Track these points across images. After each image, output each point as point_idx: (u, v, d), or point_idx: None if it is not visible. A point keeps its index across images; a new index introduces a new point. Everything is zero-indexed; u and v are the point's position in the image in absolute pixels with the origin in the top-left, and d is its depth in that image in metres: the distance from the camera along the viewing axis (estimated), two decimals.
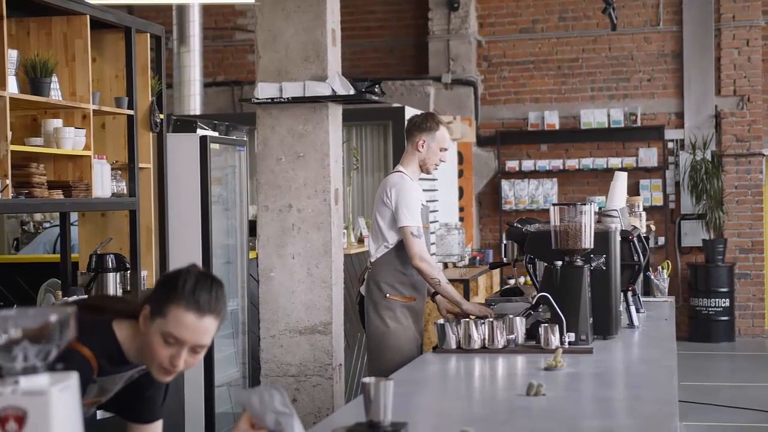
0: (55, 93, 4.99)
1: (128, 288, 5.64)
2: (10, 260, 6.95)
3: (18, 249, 8.17)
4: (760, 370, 10.74)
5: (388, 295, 5.20)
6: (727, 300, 12.18)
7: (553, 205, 4.49)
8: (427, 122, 5.29)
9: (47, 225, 8.10)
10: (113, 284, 5.48)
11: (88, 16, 5.24)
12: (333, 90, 6.04)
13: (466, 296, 9.08)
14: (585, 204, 4.47)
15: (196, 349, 2.63)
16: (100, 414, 4.76)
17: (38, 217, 7.89)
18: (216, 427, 6.38)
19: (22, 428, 1.75)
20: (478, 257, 10.94)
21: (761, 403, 8.70)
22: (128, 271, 5.61)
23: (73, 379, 1.83)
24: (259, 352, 5.77)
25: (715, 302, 12.16)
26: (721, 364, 11.34)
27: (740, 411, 8.43)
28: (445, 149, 5.30)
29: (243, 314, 6.90)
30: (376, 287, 5.24)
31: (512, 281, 12.19)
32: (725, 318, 12.20)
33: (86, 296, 5.14)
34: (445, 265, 10.43)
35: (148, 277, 5.88)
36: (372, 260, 5.33)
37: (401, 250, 5.16)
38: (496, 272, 11.14)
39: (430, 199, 10.33)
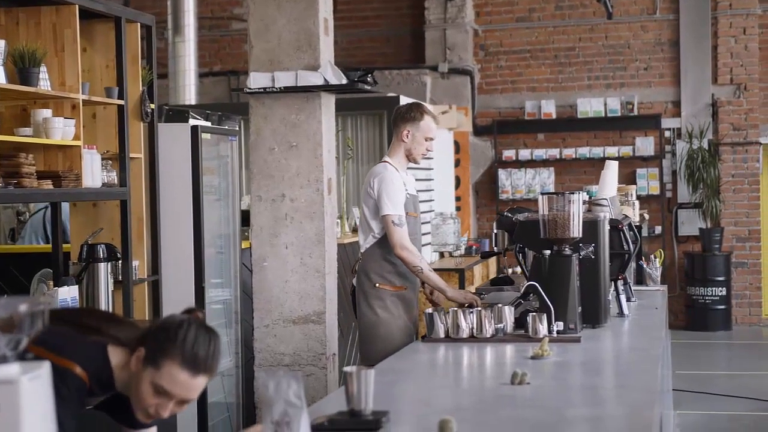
0: (44, 83, 4.99)
1: (119, 278, 5.64)
2: (5, 250, 6.96)
3: (14, 239, 8.17)
4: (757, 359, 10.75)
5: (377, 284, 5.22)
6: (724, 289, 12.19)
7: (542, 194, 4.50)
8: (411, 112, 5.31)
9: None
10: (104, 274, 5.48)
11: (77, 6, 5.23)
12: (325, 79, 6.03)
13: (461, 286, 9.09)
14: (573, 193, 4.47)
15: (183, 402, 2.65)
16: None
17: (33, 207, 7.89)
18: (208, 417, 6.39)
19: None
20: (474, 246, 10.94)
21: (757, 391, 8.71)
22: (119, 261, 5.61)
23: (44, 368, 1.84)
24: (252, 342, 5.77)
25: (712, 291, 12.16)
26: (718, 353, 11.35)
27: (736, 399, 8.44)
28: (431, 138, 5.31)
29: (236, 304, 6.91)
30: (366, 277, 5.27)
31: (509, 270, 12.20)
32: (722, 307, 12.20)
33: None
34: (441, 255, 10.44)
35: (140, 267, 5.88)
36: (361, 251, 5.36)
37: (388, 239, 5.18)
38: (493, 261, 11.15)
39: (426, 189, 10.36)
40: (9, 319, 1.82)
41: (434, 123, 5.34)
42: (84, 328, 2.74)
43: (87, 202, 5.73)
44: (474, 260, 10.01)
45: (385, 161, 5.34)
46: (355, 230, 7.84)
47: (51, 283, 5.53)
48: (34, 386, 1.80)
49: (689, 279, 12.30)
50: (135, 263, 5.78)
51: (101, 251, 5.47)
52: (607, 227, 4.72)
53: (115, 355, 2.70)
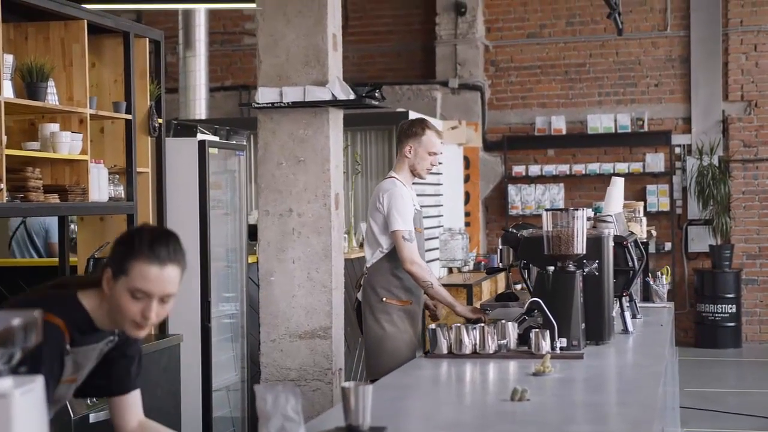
0: (52, 97, 5.02)
1: None
2: (11, 264, 6.99)
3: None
4: (767, 377, 10.69)
5: (384, 299, 5.24)
6: (734, 306, 12.14)
7: (546, 210, 4.49)
8: (413, 128, 5.35)
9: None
10: None
11: (85, 21, 5.27)
12: (333, 95, 6.05)
13: (469, 301, 9.09)
14: (577, 209, 4.47)
15: (164, 299, 2.71)
16: (93, 417, 4.81)
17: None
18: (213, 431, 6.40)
19: None
20: (483, 262, 10.93)
21: (767, 409, 8.67)
22: None
23: (37, 382, 1.85)
24: (258, 357, 5.78)
25: (722, 308, 12.12)
26: (727, 371, 11.30)
27: (745, 417, 8.40)
28: (434, 153, 5.33)
29: (242, 318, 6.92)
30: (373, 292, 5.28)
31: (518, 286, 12.18)
32: (732, 324, 12.16)
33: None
34: (450, 270, 10.44)
35: None
36: (368, 265, 5.37)
37: (396, 254, 5.20)
38: (501, 277, 11.13)
39: (434, 204, 10.37)
40: (2, 333, 1.83)
41: (437, 138, 5.36)
42: (52, 287, 2.88)
43: (94, 216, 5.76)
44: (482, 276, 10.00)
45: (392, 177, 5.36)
46: (362, 245, 7.86)
47: None
48: (27, 400, 1.81)
49: (699, 296, 12.26)
50: None
51: None
52: (612, 244, 4.71)
53: (87, 299, 2.78)
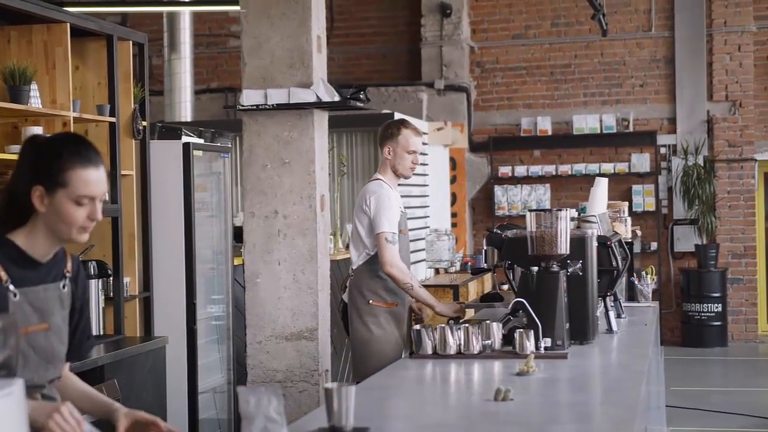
0: (35, 100, 5.01)
1: (111, 295, 5.65)
2: None
3: None
4: (752, 375, 10.74)
5: (371, 301, 5.25)
6: (720, 305, 12.19)
7: (530, 211, 4.51)
8: (389, 129, 5.39)
9: None
10: (95, 291, 5.49)
11: (68, 24, 5.26)
12: (318, 97, 6.06)
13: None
14: (561, 210, 4.48)
15: (100, 199, 2.73)
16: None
17: None
18: None
19: None
20: (470, 263, 10.94)
21: (753, 408, 8.71)
22: (110, 278, 5.62)
23: (16, 385, 1.85)
24: (245, 358, 5.78)
25: (708, 307, 12.16)
26: (713, 369, 11.34)
27: (731, 416, 8.43)
28: (413, 152, 5.35)
29: (228, 320, 6.92)
30: (359, 294, 5.29)
31: (506, 287, 12.19)
32: (718, 323, 12.20)
33: None
34: (437, 271, 10.44)
35: (131, 283, 5.89)
36: (354, 267, 5.38)
37: None
38: (488, 278, 11.15)
39: (420, 205, 10.38)
40: None
41: (415, 136, 5.37)
42: None
43: None
44: (469, 276, 10.01)
45: (378, 179, 5.37)
46: (348, 246, 7.86)
47: None
48: (7, 404, 1.81)
49: (685, 295, 12.30)
50: (126, 280, 5.79)
51: (92, 268, 5.48)
52: (595, 244, 4.73)
53: (16, 236, 2.72)
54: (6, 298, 2.66)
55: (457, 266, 10.59)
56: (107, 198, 5.65)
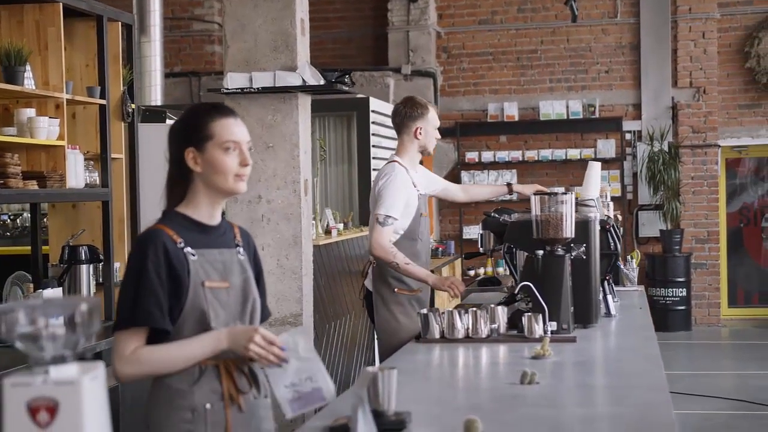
0: (29, 82, 4.92)
1: (101, 280, 5.57)
2: None
3: None
4: (717, 358, 10.90)
5: (396, 289, 5.18)
6: (684, 290, 12.33)
7: (534, 194, 4.50)
8: (417, 109, 5.32)
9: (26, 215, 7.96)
10: (86, 276, 5.41)
11: (61, 4, 5.16)
12: (303, 80, 6.02)
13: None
14: (566, 193, 4.49)
15: (246, 145, 2.90)
16: None
17: (15, 207, 7.77)
18: None
19: (54, 418, 1.72)
20: (440, 248, 10.96)
21: (718, 390, 8.83)
22: (101, 263, 5.54)
23: (100, 369, 1.81)
24: None
25: (672, 292, 12.30)
26: (679, 353, 11.47)
27: (698, 398, 8.54)
28: (437, 127, 5.39)
29: None
30: (384, 283, 5.19)
31: (476, 271, 12.24)
32: (682, 307, 12.35)
33: None
34: None
35: (121, 268, 5.81)
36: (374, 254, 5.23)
37: (404, 242, 5.14)
38: (458, 263, 11.18)
39: None
40: (67, 319, 1.78)
41: (434, 110, 5.43)
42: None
43: (66, 204, 5.65)
44: (441, 262, 10.02)
45: (394, 161, 5.28)
46: (328, 232, 7.82)
47: (29, 285, 5.44)
48: (94, 386, 1.77)
49: (650, 280, 12.42)
50: (117, 265, 5.72)
51: (83, 253, 5.40)
52: (598, 227, 4.75)
53: (181, 207, 2.89)
54: (185, 259, 2.81)
55: None
56: (99, 181, 5.57)
